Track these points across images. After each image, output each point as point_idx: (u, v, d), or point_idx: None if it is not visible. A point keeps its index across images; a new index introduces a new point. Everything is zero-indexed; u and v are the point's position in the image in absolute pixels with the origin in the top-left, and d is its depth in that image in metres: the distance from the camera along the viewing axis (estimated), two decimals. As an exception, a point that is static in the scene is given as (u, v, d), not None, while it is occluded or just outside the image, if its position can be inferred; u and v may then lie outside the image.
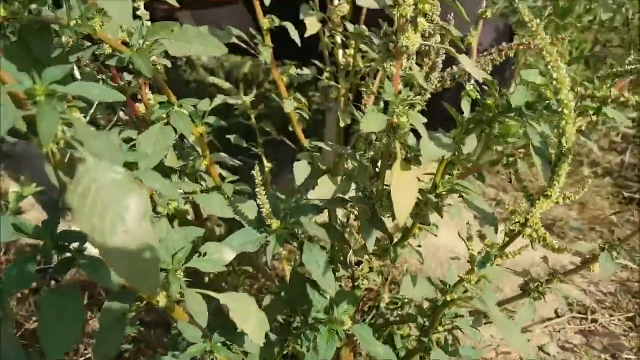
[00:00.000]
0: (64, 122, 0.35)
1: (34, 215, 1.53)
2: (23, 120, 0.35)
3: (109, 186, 0.33)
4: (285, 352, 0.68)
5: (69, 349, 0.40)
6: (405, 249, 0.69)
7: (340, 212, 0.89)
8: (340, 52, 0.88)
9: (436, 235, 0.71)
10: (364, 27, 0.80)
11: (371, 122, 0.45)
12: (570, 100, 0.38)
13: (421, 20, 0.43)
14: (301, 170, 0.83)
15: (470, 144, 0.53)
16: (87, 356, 1.00)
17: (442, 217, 0.55)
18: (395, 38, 0.45)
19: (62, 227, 0.46)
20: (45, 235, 0.43)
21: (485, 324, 0.74)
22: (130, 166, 0.46)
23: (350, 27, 0.82)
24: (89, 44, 0.49)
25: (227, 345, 0.58)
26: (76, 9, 0.44)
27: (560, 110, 0.39)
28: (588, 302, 1.19)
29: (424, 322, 0.69)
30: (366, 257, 0.72)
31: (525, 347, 0.58)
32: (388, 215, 0.60)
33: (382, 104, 0.54)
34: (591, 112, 0.43)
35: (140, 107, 0.61)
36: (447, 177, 0.59)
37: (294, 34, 0.79)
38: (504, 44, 0.70)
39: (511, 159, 0.65)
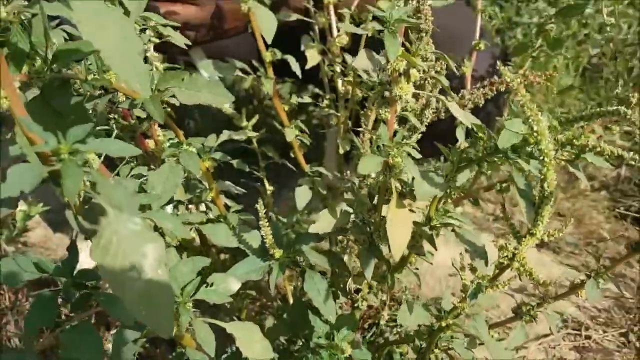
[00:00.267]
0: (86, 175, 0.38)
1: (40, 232, 1.56)
2: (47, 174, 0.38)
3: (129, 236, 0.37)
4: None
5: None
6: (403, 272, 0.72)
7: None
8: (340, 80, 0.92)
9: (433, 254, 0.74)
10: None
11: (367, 165, 0.48)
12: (550, 150, 0.42)
13: (413, 71, 0.47)
14: (302, 195, 0.86)
15: (462, 179, 0.57)
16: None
17: (435, 249, 0.58)
18: (389, 87, 0.48)
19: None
20: (65, 274, 0.46)
21: (479, 344, 0.78)
22: (143, 207, 0.49)
23: (349, 58, 0.86)
24: (103, 91, 0.52)
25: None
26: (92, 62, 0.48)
27: (541, 158, 0.42)
28: (582, 318, 1.22)
29: (421, 345, 0.72)
30: (365, 281, 0.75)
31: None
32: (385, 245, 0.63)
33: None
34: (572, 156, 0.46)
35: (150, 143, 0.64)
36: (442, 202, 0.62)
37: (295, 66, 0.83)
38: (496, 78, 0.74)
39: (504, 185, 0.69)
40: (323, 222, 0.59)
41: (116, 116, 0.60)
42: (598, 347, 1.13)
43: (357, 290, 0.71)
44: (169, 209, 0.68)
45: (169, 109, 0.57)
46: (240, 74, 0.81)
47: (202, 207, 0.76)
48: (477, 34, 0.89)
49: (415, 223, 0.59)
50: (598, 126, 0.56)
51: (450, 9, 0.83)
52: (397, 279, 0.72)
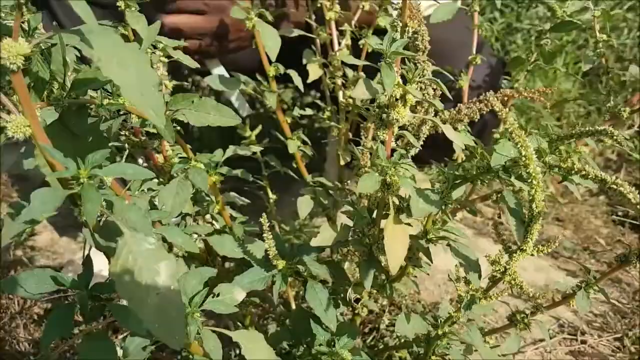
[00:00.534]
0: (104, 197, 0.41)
1: (47, 236, 1.59)
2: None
3: (144, 255, 0.39)
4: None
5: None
6: (402, 280, 0.75)
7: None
8: (340, 92, 0.95)
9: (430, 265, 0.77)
10: (361, 73, 0.87)
11: (366, 184, 0.51)
12: (538, 173, 0.45)
13: (409, 96, 0.49)
14: (304, 205, 0.89)
15: (457, 195, 0.59)
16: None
17: (431, 262, 0.61)
18: (387, 110, 0.51)
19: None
20: (81, 287, 0.49)
21: (475, 351, 0.80)
22: (154, 223, 0.52)
23: (350, 72, 0.89)
24: (117, 113, 0.55)
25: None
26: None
27: (529, 180, 0.45)
28: (578, 323, 1.24)
29: (419, 351, 0.75)
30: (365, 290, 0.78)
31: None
32: (384, 256, 0.66)
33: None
34: (560, 178, 0.49)
35: (159, 158, 0.67)
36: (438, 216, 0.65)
37: (297, 80, 0.86)
38: (491, 93, 0.76)
39: (500, 195, 0.72)
40: (324, 236, 0.62)
41: (127, 133, 0.63)
42: (593, 351, 1.16)
43: (357, 300, 0.74)
44: (177, 219, 0.71)
45: (178, 127, 0.60)
46: (244, 87, 0.84)
47: (207, 217, 0.79)
48: (474, 49, 0.91)
49: (412, 236, 0.62)
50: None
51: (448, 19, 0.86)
52: (395, 288, 0.75)
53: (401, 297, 1.26)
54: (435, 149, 0.75)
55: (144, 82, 0.37)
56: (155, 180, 0.66)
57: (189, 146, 0.67)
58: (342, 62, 0.92)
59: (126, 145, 0.62)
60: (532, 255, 0.52)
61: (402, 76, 0.50)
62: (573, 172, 0.47)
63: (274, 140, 0.95)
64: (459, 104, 0.76)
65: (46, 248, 1.55)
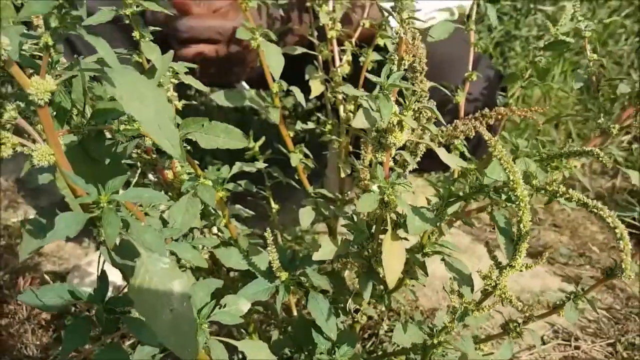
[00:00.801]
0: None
1: (53, 242, 1.63)
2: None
3: (159, 274, 0.43)
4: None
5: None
6: (400, 289, 0.78)
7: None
8: (342, 107, 0.98)
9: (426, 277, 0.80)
10: (361, 90, 0.90)
11: (365, 204, 0.54)
12: (525, 196, 0.48)
13: (405, 123, 0.53)
14: (306, 215, 0.92)
15: (451, 211, 0.63)
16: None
17: (427, 274, 0.64)
18: (385, 135, 0.54)
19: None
20: (97, 301, 0.52)
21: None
22: (165, 240, 0.55)
23: (350, 89, 0.92)
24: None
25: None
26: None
27: (517, 203, 0.48)
28: (572, 328, 1.27)
29: (416, 358, 0.78)
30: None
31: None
32: (382, 268, 0.69)
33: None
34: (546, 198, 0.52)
35: (169, 174, 0.70)
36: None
37: (300, 97, 0.89)
38: (486, 110, 0.80)
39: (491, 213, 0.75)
40: (325, 250, 0.65)
41: (139, 151, 0.66)
42: (587, 356, 1.19)
43: (357, 310, 0.77)
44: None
45: (188, 147, 0.63)
46: (248, 103, 0.87)
47: (214, 229, 0.82)
48: (470, 65, 0.94)
49: (408, 250, 0.66)
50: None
51: None
52: (393, 298, 0.78)
53: (400, 304, 1.29)
54: (433, 159, 0.78)
55: (161, 117, 0.40)
56: (166, 197, 0.69)
57: (196, 162, 0.70)
58: (343, 78, 0.96)
59: (138, 163, 0.66)
60: (520, 271, 0.55)
61: (399, 103, 0.53)
62: (558, 195, 0.50)
63: (277, 152, 0.98)
64: (455, 121, 0.80)
65: (52, 254, 1.58)
